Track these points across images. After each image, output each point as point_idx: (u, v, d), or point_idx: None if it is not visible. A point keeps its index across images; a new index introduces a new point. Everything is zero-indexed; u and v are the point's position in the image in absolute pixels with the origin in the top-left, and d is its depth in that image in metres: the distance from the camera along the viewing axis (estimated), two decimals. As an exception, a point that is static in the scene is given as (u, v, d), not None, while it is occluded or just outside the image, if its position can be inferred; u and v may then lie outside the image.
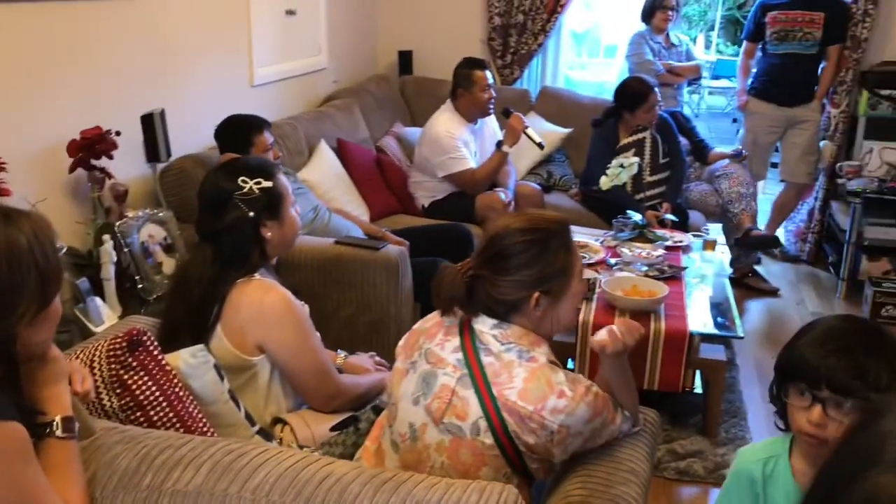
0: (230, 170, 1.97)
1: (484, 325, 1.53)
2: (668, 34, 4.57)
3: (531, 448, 1.48)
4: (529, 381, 1.47)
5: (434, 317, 1.65)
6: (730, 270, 4.24)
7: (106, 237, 2.55)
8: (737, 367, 3.42)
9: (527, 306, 1.52)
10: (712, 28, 11.47)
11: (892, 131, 4.26)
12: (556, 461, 1.54)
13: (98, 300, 2.48)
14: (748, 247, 4.16)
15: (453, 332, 1.56)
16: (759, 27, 4.44)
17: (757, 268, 4.39)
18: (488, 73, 3.82)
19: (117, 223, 2.67)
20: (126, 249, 2.67)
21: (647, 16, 4.56)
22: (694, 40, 11.60)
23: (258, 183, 1.92)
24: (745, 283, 4.26)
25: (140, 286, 2.69)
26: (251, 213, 1.90)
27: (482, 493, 1.13)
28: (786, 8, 4.33)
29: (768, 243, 4.23)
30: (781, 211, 4.66)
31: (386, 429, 1.66)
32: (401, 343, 1.70)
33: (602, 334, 1.56)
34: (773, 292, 4.23)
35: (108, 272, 2.56)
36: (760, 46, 4.50)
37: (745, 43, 4.66)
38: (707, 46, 11.43)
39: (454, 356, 1.53)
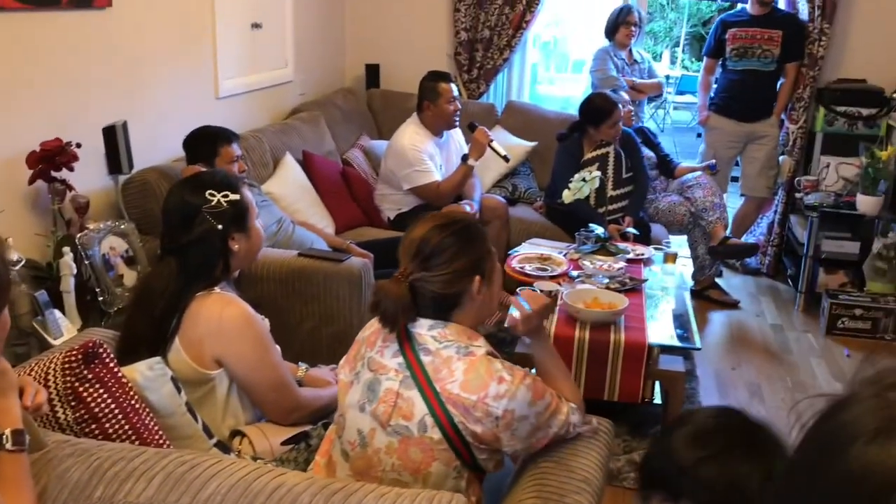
0: (196, 184, 1.98)
1: (421, 328, 1.59)
2: (630, 50, 4.65)
3: (479, 438, 1.52)
4: (469, 372, 1.52)
5: (372, 325, 1.69)
6: (691, 283, 4.33)
7: (66, 249, 2.53)
8: (697, 378, 3.47)
9: (470, 292, 1.59)
10: (677, 44, 11.67)
11: (848, 147, 4.37)
12: (506, 449, 1.57)
13: (57, 313, 2.46)
14: (726, 255, 4.22)
15: (391, 338, 1.61)
16: (720, 44, 4.55)
17: (718, 280, 4.45)
18: (453, 86, 3.86)
19: (78, 235, 2.65)
20: (87, 262, 2.65)
21: (611, 31, 4.63)
22: (659, 56, 11.80)
23: (225, 196, 1.93)
24: (707, 295, 4.33)
25: (101, 299, 2.68)
26: (220, 226, 1.91)
27: (431, 501, 1.14)
28: (745, 25, 4.44)
29: (747, 251, 4.30)
30: (742, 224, 4.75)
31: (335, 440, 1.68)
32: (343, 359, 1.75)
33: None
34: (734, 304, 4.30)
35: (68, 284, 2.54)
36: (721, 63, 4.60)
37: (706, 59, 4.76)
38: (672, 62, 11.63)
39: (395, 361, 1.58)
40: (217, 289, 1.91)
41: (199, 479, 1.23)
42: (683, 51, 11.67)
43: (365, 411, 1.59)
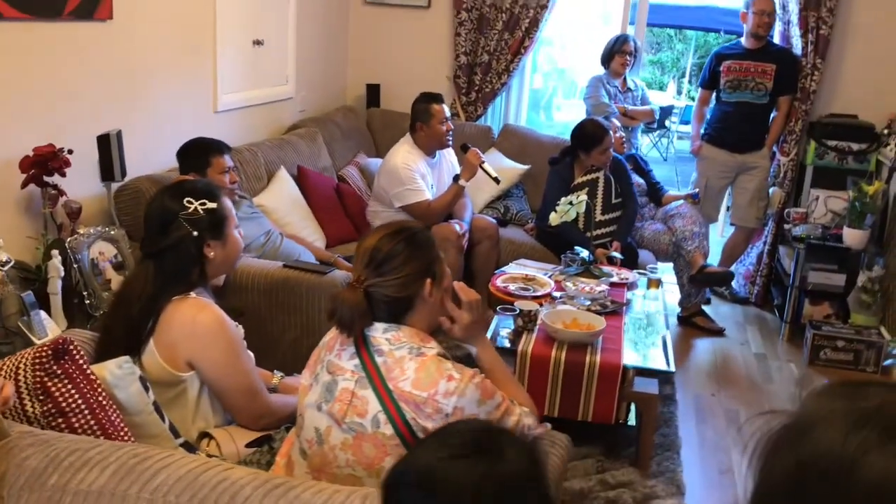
0: (176, 191, 2.04)
1: (376, 332, 1.66)
2: (624, 78, 4.72)
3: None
4: (420, 371, 1.59)
5: (333, 330, 1.77)
6: (677, 309, 4.37)
7: (54, 252, 2.61)
8: (676, 402, 3.50)
9: (422, 295, 1.67)
10: (684, 75, 11.77)
11: (837, 180, 4.42)
12: None
13: (42, 313, 2.52)
14: (703, 283, 4.26)
15: (349, 342, 1.69)
16: (714, 76, 4.61)
17: (706, 307, 4.49)
18: (445, 107, 3.94)
19: (68, 239, 2.72)
20: (75, 265, 2.72)
21: (606, 60, 4.71)
22: (665, 86, 11.91)
23: (203, 204, 2.00)
24: (693, 322, 4.36)
25: (87, 302, 2.74)
26: (195, 233, 1.97)
27: (365, 498, 1.19)
28: (740, 58, 4.50)
29: (723, 279, 4.33)
30: (731, 253, 4.79)
31: (295, 441, 1.73)
32: (306, 365, 1.81)
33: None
34: (720, 332, 4.33)
35: (55, 286, 2.61)
36: (715, 94, 4.67)
37: (700, 90, 4.83)
38: (678, 93, 11.73)
39: (351, 363, 1.66)
40: (193, 294, 1.97)
41: (150, 470, 1.28)
42: (689, 82, 11.77)
43: (322, 410, 1.66)
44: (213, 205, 2.01)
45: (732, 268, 4.75)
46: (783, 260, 4.58)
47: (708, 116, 4.75)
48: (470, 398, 1.58)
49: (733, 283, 4.80)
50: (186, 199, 1.98)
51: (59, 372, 1.63)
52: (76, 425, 1.63)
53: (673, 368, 2.92)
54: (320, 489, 1.21)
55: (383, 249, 1.66)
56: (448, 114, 3.95)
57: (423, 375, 1.59)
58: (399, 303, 1.67)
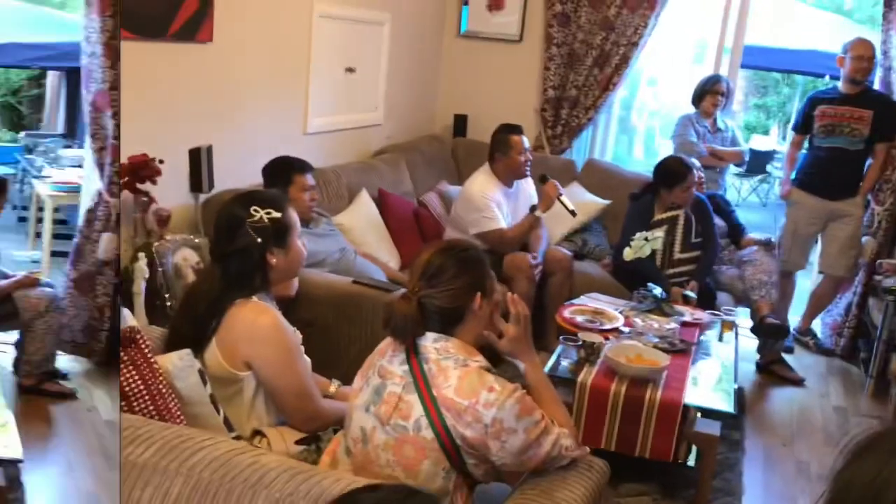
0: (245, 199, 2.16)
1: (426, 341, 1.74)
2: (715, 119, 4.66)
3: (468, 442, 1.64)
4: (463, 379, 1.66)
5: (387, 339, 1.85)
6: (754, 354, 4.25)
7: (141, 255, 2.79)
8: (743, 449, 3.40)
9: (472, 307, 1.74)
10: (789, 120, 11.49)
11: (935, 232, 4.23)
12: (495, 459, 1.67)
13: (126, 311, 2.68)
14: (760, 334, 4.15)
15: (401, 349, 1.77)
16: (808, 120, 4.49)
17: (787, 357, 4.34)
18: (524, 139, 4.00)
19: (155, 244, 2.91)
20: (160, 269, 2.90)
21: (697, 99, 4.67)
22: (769, 130, 11.62)
23: (268, 213, 2.10)
24: (771, 369, 4.23)
25: (168, 304, 2.91)
26: (259, 240, 2.08)
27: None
28: (835, 103, 4.38)
29: (777, 333, 4.16)
30: (818, 303, 4.63)
31: (342, 440, 1.83)
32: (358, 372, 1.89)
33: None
34: (799, 382, 4.18)
35: (139, 286, 2.79)
36: (808, 139, 4.55)
37: (793, 134, 4.72)
38: (783, 137, 11.44)
39: (401, 368, 1.74)
40: (255, 298, 2.08)
41: (190, 449, 1.38)
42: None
43: (369, 411, 1.75)
44: (277, 214, 2.11)
45: (820, 317, 4.59)
46: (872, 312, 4.39)
47: (800, 161, 4.64)
48: (509, 411, 1.63)
49: (818, 334, 4.65)
50: (253, 207, 2.09)
51: (125, 358, 1.76)
52: (136, 409, 1.75)
53: (734, 411, 2.86)
54: (339, 478, 1.28)
55: (435, 263, 1.75)
56: (527, 145, 4.00)
57: (465, 384, 1.65)
58: (449, 314, 1.74)
